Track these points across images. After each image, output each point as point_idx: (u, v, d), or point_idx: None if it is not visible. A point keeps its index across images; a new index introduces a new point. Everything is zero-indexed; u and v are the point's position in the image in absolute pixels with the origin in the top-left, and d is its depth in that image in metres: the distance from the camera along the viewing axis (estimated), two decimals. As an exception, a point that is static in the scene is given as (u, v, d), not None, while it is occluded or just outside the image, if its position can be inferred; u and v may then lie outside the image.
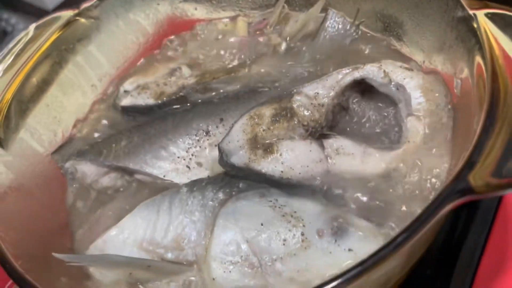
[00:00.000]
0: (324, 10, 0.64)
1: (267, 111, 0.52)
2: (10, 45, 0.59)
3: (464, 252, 0.56)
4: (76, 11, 0.61)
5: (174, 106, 0.61)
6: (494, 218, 0.58)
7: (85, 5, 0.62)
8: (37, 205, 0.53)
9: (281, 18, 0.67)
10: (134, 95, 0.62)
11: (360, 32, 0.63)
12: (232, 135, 0.51)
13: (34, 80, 0.57)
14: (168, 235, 0.45)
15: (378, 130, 0.52)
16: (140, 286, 0.44)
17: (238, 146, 0.50)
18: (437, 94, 0.50)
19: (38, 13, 1.28)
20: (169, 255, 0.44)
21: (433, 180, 0.46)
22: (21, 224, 0.49)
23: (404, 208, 0.46)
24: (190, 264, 0.44)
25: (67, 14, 0.62)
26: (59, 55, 0.60)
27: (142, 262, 0.43)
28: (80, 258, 0.44)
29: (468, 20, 0.44)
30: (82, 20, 0.62)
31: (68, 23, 0.61)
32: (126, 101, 0.62)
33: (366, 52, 0.62)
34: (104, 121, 0.63)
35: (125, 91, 0.64)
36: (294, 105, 0.51)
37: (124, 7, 0.65)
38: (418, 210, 0.45)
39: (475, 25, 0.43)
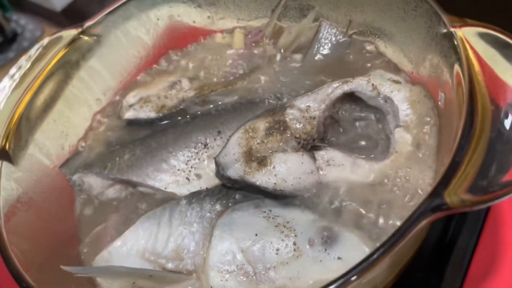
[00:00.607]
0: (317, 20, 0.66)
1: (261, 125, 0.54)
2: (18, 64, 0.62)
3: (454, 255, 0.58)
4: (80, 29, 0.64)
5: (175, 119, 0.63)
6: (484, 221, 0.60)
7: (88, 23, 0.64)
8: (47, 217, 0.56)
9: (276, 30, 0.69)
10: (136, 108, 0.65)
11: (351, 42, 0.65)
12: (228, 149, 0.54)
13: (42, 97, 0.60)
14: (168, 245, 0.48)
15: (367, 141, 0.54)
16: (144, 293, 0.47)
17: (234, 159, 0.52)
18: (423, 106, 0.52)
19: (47, 13, 1.32)
20: (170, 265, 0.47)
21: (419, 191, 0.49)
22: (32, 236, 0.52)
23: (392, 217, 0.48)
24: (190, 273, 0.47)
25: (70, 32, 0.65)
26: (64, 72, 0.63)
27: (144, 272, 0.46)
28: (87, 270, 0.47)
29: (449, 36, 0.46)
30: (86, 37, 0.65)
31: (72, 41, 0.63)
32: (129, 114, 0.65)
33: (357, 62, 0.64)
34: (109, 134, 0.66)
35: (129, 105, 0.67)
36: (287, 118, 0.54)
37: (125, 23, 0.67)
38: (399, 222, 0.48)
39: (455, 41, 0.45)
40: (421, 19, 0.51)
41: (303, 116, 0.54)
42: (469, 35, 0.45)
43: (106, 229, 0.57)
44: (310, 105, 0.55)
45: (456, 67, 0.45)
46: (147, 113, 0.64)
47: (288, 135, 0.53)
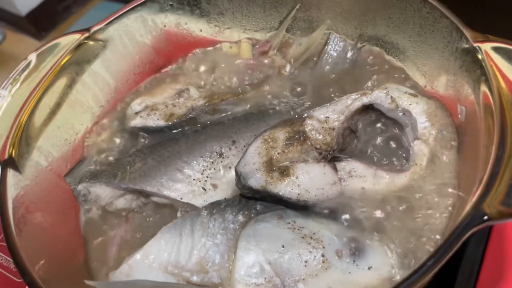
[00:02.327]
0: (326, 34, 0.67)
1: (281, 135, 0.54)
2: (15, 72, 0.59)
3: (463, 267, 0.59)
4: (86, 34, 0.62)
5: (185, 128, 0.62)
6: (489, 232, 0.61)
7: (95, 28, 0.62)
8: (52, 227, 0.53)
9: (284, 41, 0.69)
10: (143, 116, 0.63)
11: (361, 55, 0.66)
12: (248, 158, 0.53)
13: (46, 103, 0.57)
14: (192, 258, 0.47)
15: (386, 153, 0.55)
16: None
17: (254, 169, 0.52)
18: (441, 120, 0.53)
19: (10, 18, 1.27)
20: (195, 278, 0.46)
21: (440, 203, 0.49)
22: (38, 245, 0.49)
23: (415, 228, 0.49)
24: (215, 286, 0.46)
25: (73, 37, 0.62)
26: (69, 76, 0.60)
27: (171, 286, 0.44)
28: (111, 285, 0.45)
29: (472, 52, 0.48)
30: (91, 42, 0.63)
31: (79, 45, 0.61)
32: (135, 122, 0.63)
33: (367, 74, 0.65)
34: (114, 142, 0.64)
35: (135, 112, 0.65)
36: (306, 129, 0.54)
37: (132, 29, 0.65)
38: (419, 232, 0.48)
39: (479, 57, 0.47)
40: (439, 34, 0.53)
41: (323, 127, 0.54)
42: (492, 51, 0.46)
43: (114, 241, 0.55)
44: (329, 116, 0.55)
45: (482, 82, 0.46)
46: (155, 121, 0.62)
47: (308, 145, 0.53)
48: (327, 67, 0.66)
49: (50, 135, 0.58)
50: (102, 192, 0.57)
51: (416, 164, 0.52)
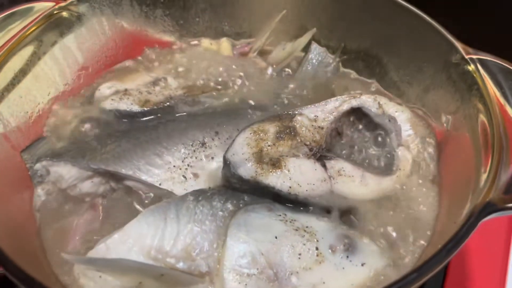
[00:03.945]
0: (306, 46, 0.67)
1: (271, 128, 0.52)
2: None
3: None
4: (62, 3, 0.57)
5: (161, 115, 0.58)
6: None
7: (72, -1, 0.58)
8: (7, 206, 0.46)
9: (266, 45, 0.69)
10: (115, 99, 0.58)
11: (340, 66, 0.67)
12: (236, 148, 0.50)
13: (11, 67, 0.51)
14: (177, 244, 0.42)
15: (371, 157, 0.55)
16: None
17: (244, 159, 0.49)
18: (424, 128, 0.55)
19: None
20: (181, 265, 0.41)
21: (421, 206, 0.50)
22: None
23: (402, 227, 0.49)
24: (202, 275, 0.42)
25: (44, 5, 0.57)
26: (38, 45, 0.55)
27: (157, 269, 0.39)
28: (91, 261, 0.39)
29: (462, 65, 0.50)
30: (66, 13, 0.58)
31: (53, 14, 0.56)
32: (106, 104, 0.58)
33: (346, 87, 0.66)
34: (78, 123, 0.58)
35: (104, 95, 0.60)
36: (297, 125, 0.53)
37: (112, 8, 0.61)
38: (408, 231, 0.49)
39: (470, 69, 0.49)
40: (428, 47, 0.55)
41: (312, 125, 0.53)
42: (482, 65, 0.49)
43: (77, 229, 0.49)
44: (318, 115, 0.54)
45: (472, 92, 0.48)
46: (128, 105, 0.58)
47: (298, 141, 0.52)
48: (308, 75, 0.67)
49: (11, 103, 0.51)
50: (66, 172, 0.50)
51: (400, 169, 0.53)
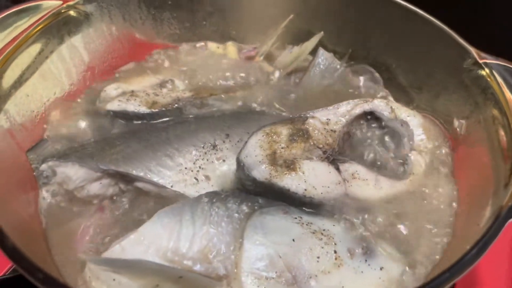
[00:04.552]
0: (313, 50, 0.67)
1: (284, 130, 0.51)
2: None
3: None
4: (70, 2, 0.56)
5: (170, 117, 0.57)
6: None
7: (80, -3, 0.57)
8: (12, 204, 0.44)
9: (272, 49, 0.69)
10: (122, 100, 0.57)
11: (348, 71, 0.67)
12: (249, 149, 0.49)
13: (19, 64, 0.50)
14: (193, 246, 0.41)
15: (383, 160, 0.54)
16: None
17: (258, 161, 0.48)
18: (436, 132, 0.55)
19: None
20: (198, 267, 0.40)
21: (441, 206, 0.50)
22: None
23: (418, 232, 0.48)
24: (220, 278, 0.40)
25: (55, 3, 0.56)
26: (46, 43, 0.53)
27: (176, 271, 0.38)
28: (109, 262, 0.37)
29: (475, 69, 0.50)
30: (74, 12, 0.57)
31: (60, 12, 0.55)
32: (113, 106, 0.57)
33: (354, 91, 0.66)
34: (84, 124, 0.56)
35: (110, 97, 0.58)
36: (309, 128, 0.52)
37: (120, 9, 0.61)
38: (425, 233, 0.48)
39: (483, 73, 0.49)
40: (442, 53, 0.55)
41: (324, 128, 0.53)
42: (495, 69, 0.49)
43: (85, 232, 0.47)
44: (330, 119, 0.54)
45: (488, 96, 0.48)
46: (136, 106, 0.57)
47: (311, 144, 0.51)
48: (314, 80, 0.66)
49: (18, 101, 0.50)
50: (73, 173, 0.49)
51: (413, 174, 0.52)
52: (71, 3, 0.56)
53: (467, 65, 0.52)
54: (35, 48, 0.52)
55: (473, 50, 0.51)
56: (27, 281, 0.45)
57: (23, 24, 0.52)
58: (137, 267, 0.37)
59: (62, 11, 0.55)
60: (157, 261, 0.39)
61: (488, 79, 0.49)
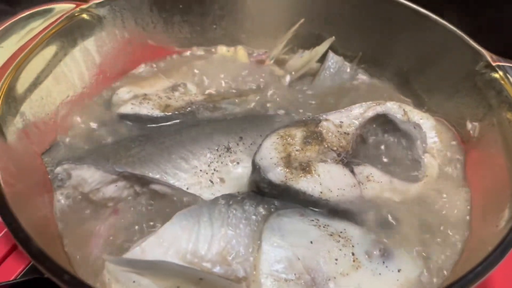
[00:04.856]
0: (324, 54, 0.68)
1: (298, 132, 0.51)
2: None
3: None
4: (83, 5, 0.56)
5: (183, 120, 0.57)
6: None
7: (94, 1, 0.57)
8: (31, 208, 0.44)
9: (283, 53, 0.69)
10: (135, 103, 0.57)
11: (358, 74, 0.67)
12: (264, 152, 0.49)
13: (33, 68, 0.50)
14: (212, 248, 0.41)
15: (397, 163, 0.54)
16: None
17: (273, 163, 0.48)
18: (448, 135, 0.55)
19: None
20: (217, 269, 0.40)
21: (455, 210, 0.50)
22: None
23: (433, 234, 0.48)
24: (239, 280, 0.40)
25: (68, 6, 0.56)
26: (60, 46, 0.54)
27: (197, 273, 0.38)
28: (131, 263, 0.37)
29: (488, 72, 0.51)
30: (87, 16, 0.57)
31: (74, 16, 0.55)
32: (126, 109, 0.57)
33: (362, 93, 0.66)
34: (96, 127, 0.56)
35: (122, 100, 0.59)
36: (323, 130, 0.52)
37: (132, 12, 0.61)
38: (441, 235, 0.48)
39: (497, 76, 0.50)
40: (454, 56, 0.55)
41: (338, 131, 0.53)
42: (509, 71, 0.50)
43: (100, 234, 0.47)
44: (343, 121, 0.54)
45: (502, 99, 0.49)
46: (149, 110, 0.57)
47: (326, 146, 0.51)
48: (325, 83, 0.67)
49: (33, 103, 0.50)
50: (89, 176, 0.49)
51: (427, 176, 0.53)
52: (84, 6, 0.56)
53: (479, 68, 0.52)
54: (49, 51, 0.52)
55: (486, 53, 0.52)
56: (37, 285, 0.46)
57: (37, 27, 0.52)
58: (158, 268, 0.37)
59: (76, 14, 0.55)
60: (177, 263, 0.39)
61: (502, 81, 0.49)
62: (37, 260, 0.32)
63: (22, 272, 0.53)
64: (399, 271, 0.43)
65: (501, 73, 0.50)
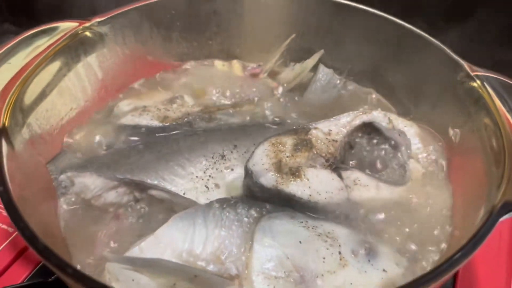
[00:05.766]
0: (314, 67, 0.71)
1: (288, 140, 0.54)
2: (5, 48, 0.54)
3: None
4: (86, 23, 0.60)
5: (180, 130, 0.60)
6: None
7: (96, 20, 0.60)
8: (36, 215, 0.47)
9: (276, 66, 0.72)
10: (135, 115, 0.61)
11: (347, 86, 0.71)
12: (256, 158, 0.52)
13: (40, 82, 0.53)
14: (207, 247, 0.44)
15: (382, 168, 0.57)
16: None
17: (265, 169, 0.51)
18: (431, 141, 0.58)
19: None
20: (211, 267, 0.43)
21: (442, 211, 0.53)
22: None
23: (417, 234, 0.51)
24: (232, 278, 0.43)
25: (71, 25, 0.60)
26: (65, 62, 0.57)
27: (191, 270, 0.40)
28: (130, 260, 0.40)
29: (467, 81, 0.54)
30: (90, 33, 0.60)
31: (77, 33, 0.58)
32: (126, 120, 0.60)
33: (352, 104, 0.69)
34: (98, 138, 0.59)
35: (123, 112, 0.62)
36: (312, 138, 0.55)
37: (132, 29, 0.64)
38: (424, 234, 0.51)
39: (475, 85, 0.53)
40: (436, 67, 0.58)
41: (326, 138, 0.56)
42: (486, 80, 0.53)
43: (102, 238, 0.50)
44: (332, 129, 0.57)
45: (480, 107, 0.52)
46: (148, 121, 0.60)
47: (315, 153, 0.54)
48: (316, 94, 0.70)
49: (39, 115, 0.53)
50: (91, 182, 0.52)
51: (412, 179, 0.55)
52: (87, 24, 0.60)
53: (460, 78, 0.55)
54: (54, 66, 0.55)
55: (465, 64, 0.55)
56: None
57: (43, 44, 0.55)
58: (155, 266, 0.40)
59: (79, 32, 0.59)
60: (174, 261, 0.42)
61: (480, 90, 0.52)
62: (43, 255, 0.34)
63: (27, 277, 0.56)
64: (384, 269, 0.46)
65: (479, 82, 0.53)
